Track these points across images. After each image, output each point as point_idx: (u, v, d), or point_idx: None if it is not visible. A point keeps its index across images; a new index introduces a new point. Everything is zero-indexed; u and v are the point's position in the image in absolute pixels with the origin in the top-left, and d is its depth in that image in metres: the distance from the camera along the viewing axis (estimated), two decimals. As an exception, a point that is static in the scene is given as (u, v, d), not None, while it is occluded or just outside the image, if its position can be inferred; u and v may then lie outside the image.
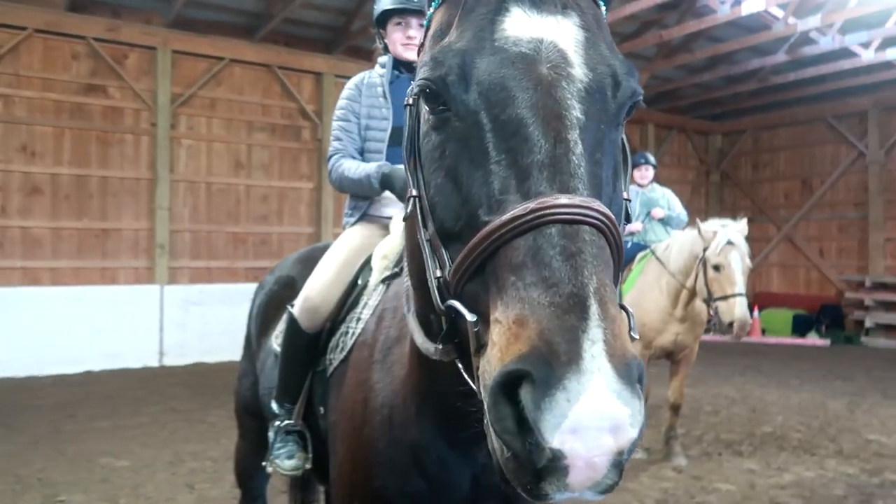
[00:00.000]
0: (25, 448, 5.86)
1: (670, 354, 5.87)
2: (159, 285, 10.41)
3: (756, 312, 14.57)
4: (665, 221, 6.77)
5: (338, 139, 2.63)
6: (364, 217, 2.61)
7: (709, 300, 5.37)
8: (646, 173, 7.03)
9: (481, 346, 1.07)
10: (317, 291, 2.32)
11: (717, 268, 5.29)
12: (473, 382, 1.13)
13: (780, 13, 10.64)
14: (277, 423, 2.35)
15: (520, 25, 1.17)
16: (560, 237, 1.01)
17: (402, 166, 2.38)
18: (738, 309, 5.14)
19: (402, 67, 2.66)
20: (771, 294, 15.89)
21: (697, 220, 5.77)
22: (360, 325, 2.04)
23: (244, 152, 11.57)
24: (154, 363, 10.10)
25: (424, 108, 1.24)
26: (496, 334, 1.00)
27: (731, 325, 5.18)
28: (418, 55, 1.45)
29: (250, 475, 3.19)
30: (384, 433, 1.73)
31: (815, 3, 10.79)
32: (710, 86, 15.17)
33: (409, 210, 1.29)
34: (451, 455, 1.66)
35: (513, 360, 0.94)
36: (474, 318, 1.08)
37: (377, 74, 2.68)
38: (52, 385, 8.59)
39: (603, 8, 1.31)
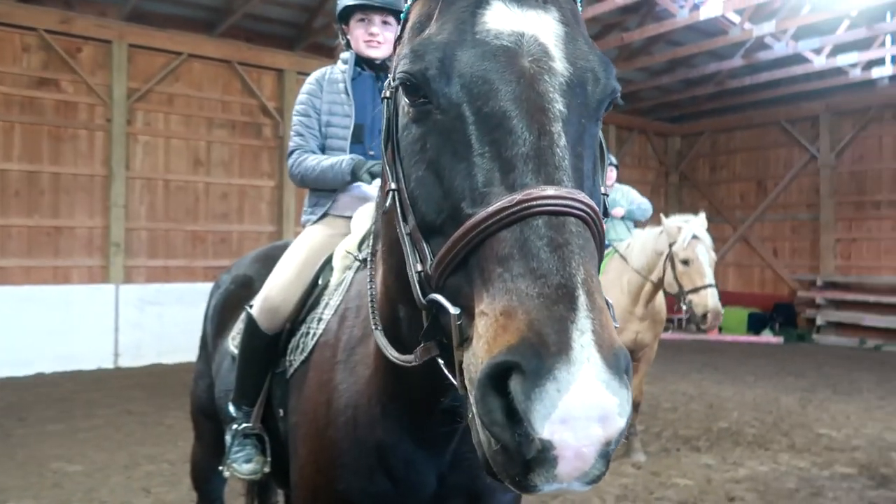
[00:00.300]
0: (-28, 453, 5.66)
1: (630, 353, 5.95)
2: (114, 284, 10.14)
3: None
4: (629, 216, 6.85)
5: (299, 134, 2.59)
6: (325, 216, 2.57)
7: (680, 294, 5.48)
8: (610, 174, 7.12)
9: (465, 340, 1.06)
10: (276, 291, 2.27)
11: (685, 262, 5.42)
12: (454, 378, 1.12)
13: (736, 18, 10.89)
14: (235, 426, 2.30)
15: (501, 19, 1.18)
16: (547, 228, 1.01)
17: (372, 162, 2.35)
18: (710, 300, 5.29)
19: (364, 64, 2.63)
20: (727, 293, 16.17)
21: (662, 217, 5.89)
22: (322, 325, 2.01)
23: (203, 149, 11.35)
24: (109, 364, 9.83)
25: (404, 101, 1.23)
26: (482, 327, 1.00)
27: (704, 316, 5.31)
28: (394, 48, 1.44)
29: (207, 478, 3.13)
30: (348, 434, 1.71)
31: (771, 10, 11.07)
32: (670, 88, 15.45)
33: (388, 203, 1.27)
34: (417, 454, 1.66)
35: (501, 352, 0.94)
36: (457, 312, 1.07)
37: (339, 70, 2.65)
38: (1, 388, 8.27)
39: (578, 4, 1.32)
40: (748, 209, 16.40)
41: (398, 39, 1.42)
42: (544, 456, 0.90)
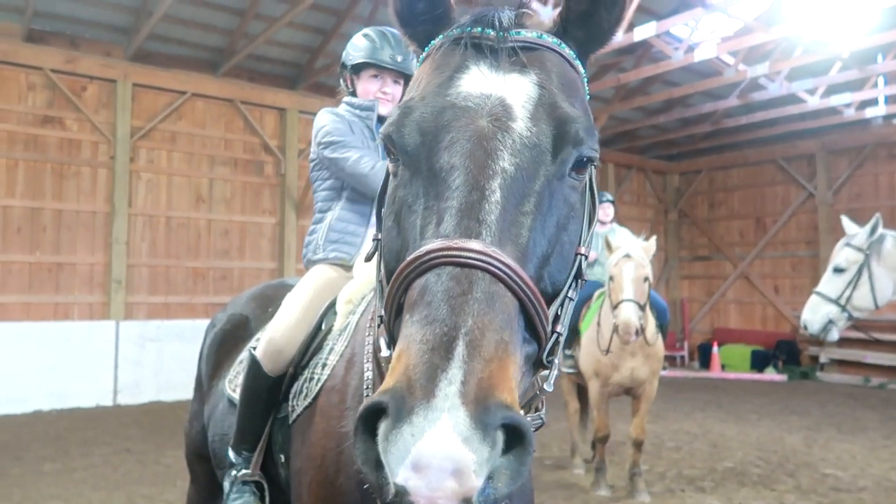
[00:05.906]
0: (-35, 494, 5.57)
1: (629, 390, 5.91)
2: (114, 321, 10.12)
3: (715, 348, 14.89)
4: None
5: (349, 146, 2.45)
6: (327, 259, 2.53)
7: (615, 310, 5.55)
8: (607, 211, 7.20)
9: None
10: (281, 333, 2.23)
11: (612, 279, 5.56)
12: None
13: (730, 60, 11.09)
14: (234, 472, 2.25)
15: (475, 82, 1.24)
16: (449, 279, 1.03)
17: None
18: (622, 313, 5.33)
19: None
20: (729, 330, 16.21)
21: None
22: (327, 370, 1.98)
23: (205, 186, 11.45)
24: (108, 402, 9.75)
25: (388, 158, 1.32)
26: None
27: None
28: None
29: (203, 522, 3.07)
30: (361, 482, 1.69)
31: (764, 51, 11.29)
32: (666, 127, 15.65)
33: (371, 251, 1.36)
34: None
35: (379, 394, 0.95)
36: (388, 354, 1.13)
37: (349, 113, 2.61)
38: (-3, 426, 8.21)
39: (581, 67, 1.35)
40: (747, 246, 16.44)
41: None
42: (400, 501, 0.90)
